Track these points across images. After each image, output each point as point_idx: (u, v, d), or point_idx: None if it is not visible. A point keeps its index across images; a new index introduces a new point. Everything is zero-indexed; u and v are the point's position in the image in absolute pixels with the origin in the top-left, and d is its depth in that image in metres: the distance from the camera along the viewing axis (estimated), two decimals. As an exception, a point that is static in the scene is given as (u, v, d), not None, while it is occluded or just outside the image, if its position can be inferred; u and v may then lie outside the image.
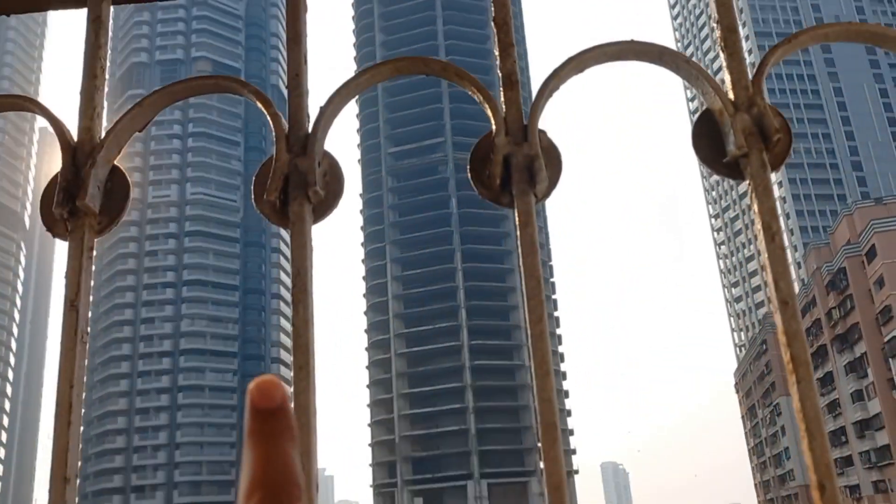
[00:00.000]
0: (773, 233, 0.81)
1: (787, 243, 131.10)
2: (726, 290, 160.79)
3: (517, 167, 0.88)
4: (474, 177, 0.90)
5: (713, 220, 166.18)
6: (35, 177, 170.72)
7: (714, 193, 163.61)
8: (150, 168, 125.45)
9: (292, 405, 0.52)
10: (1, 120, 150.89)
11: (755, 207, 0.84)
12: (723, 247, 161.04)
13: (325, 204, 0.90)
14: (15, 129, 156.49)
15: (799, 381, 0.74)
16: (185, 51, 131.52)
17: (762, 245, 0.81)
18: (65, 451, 0.78)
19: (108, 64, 1.04)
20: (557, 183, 0.90)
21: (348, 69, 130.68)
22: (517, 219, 0.87)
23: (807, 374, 0.75)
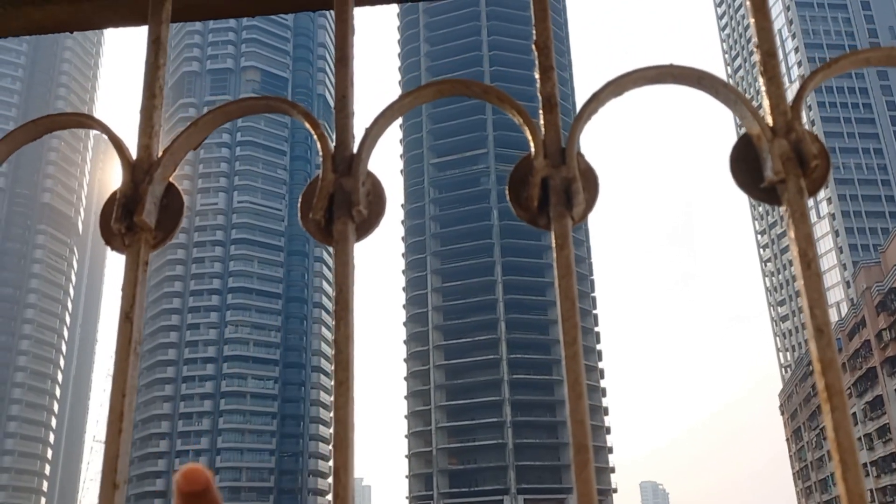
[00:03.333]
0: (810, 259, 0.82)
1: (836, 261, 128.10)
2: (772, 308, 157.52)
3: (555, 190, 0.89)
4: (513, 198, 0.91)
5: (759, 236, 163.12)
6: (89, 183, 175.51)
7: (761, 209, 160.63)
8: (198, 176, 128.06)
9: (215, 489, 0.55)
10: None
11: (791, 234, 0.85)
12: (769, 264, 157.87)
13: (368, 223, 0.93)
14: (71, 136, 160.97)
15: (833, 410, 0.75)
16: (235, 60, 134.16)
17: (798, 271, 0.82)
18: (115, 457, 0.82)
19: (166, 83, 1.07)
20: (594, 205, 0.91)
21: (393, 86, 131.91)
22: (553, 241, 0.88)
23: (841, 402, 0.75)
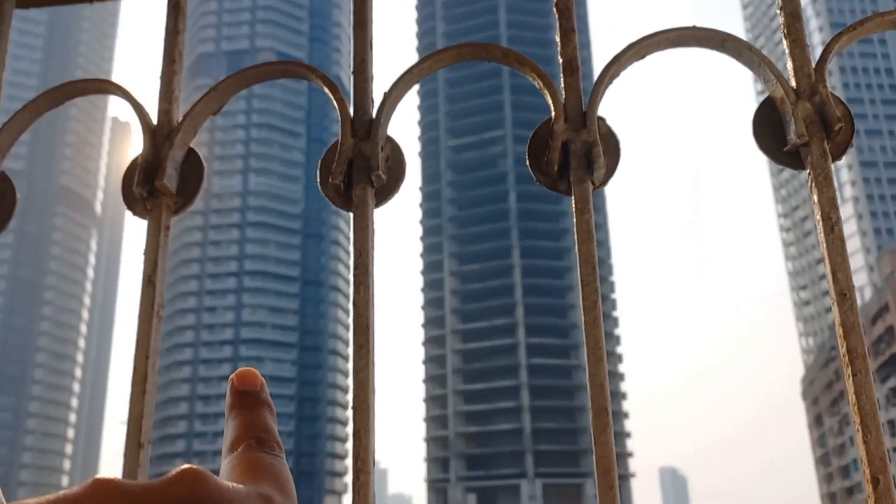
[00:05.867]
0: (833, 223, 0.81)
1: (859, 245, 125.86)
2: (794, 292, 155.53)
3: (575, 154, 0.89)
4: (532, 163, 0.91)
5: (781, 219, 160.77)
6: (107, 164, 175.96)
7: (783, 192, 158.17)
8: (215, 158, 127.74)
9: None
10: (74, 109, 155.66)
11: (815, 197, 0.84)
12: (791, 248, 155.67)
13: (387, 188, 0.92)
14: (88, 118, 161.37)
15: (855, 374, 0.74)
16: (251, 40, 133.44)
17: (821, 236, 0.82)
18: (139, 418, 0.82)
19: (185, 49, 1.08)
20: (615, 170, 0.90)
21: (410, 58, 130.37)
22: (574, 205, 0.88)
23: (863, 366, 0.75)
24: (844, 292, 0.78)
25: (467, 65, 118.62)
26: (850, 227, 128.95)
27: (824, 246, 0.81)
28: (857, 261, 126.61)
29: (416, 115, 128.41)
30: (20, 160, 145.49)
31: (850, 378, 0.74)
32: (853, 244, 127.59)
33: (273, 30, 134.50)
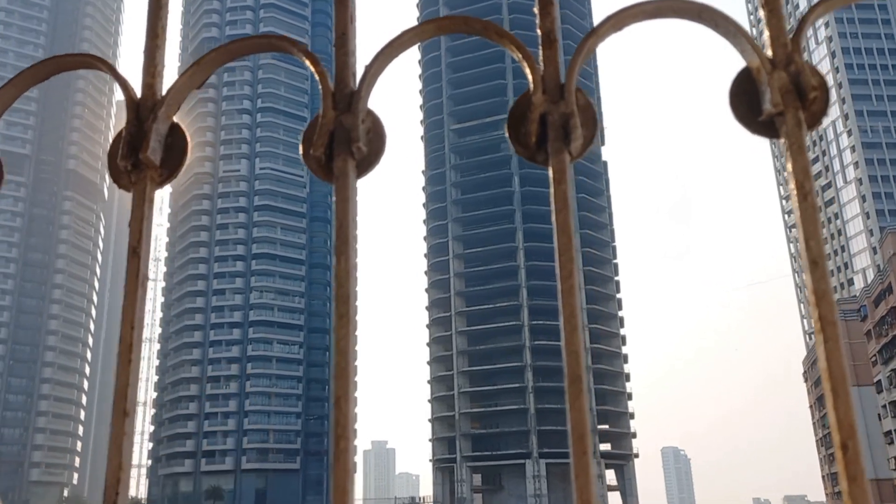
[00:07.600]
0: (806, 192, 0.82)
1: (862, 227, 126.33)
2: (796, 275, 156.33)
3: (553, 125, 0.89)
4: (512, 135, 0.91)
5: (784, 202, 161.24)
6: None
7: (786, 174, 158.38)
8: (220, 143, 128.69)
9: None
10: (80, 94, 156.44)
11: (789, 166, 0.84)
12: (794, 230, 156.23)
13: (368, 160, 0.93)
14: (94, 103, 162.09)
15: (826, 341, 0.75)
16: (254, 26, 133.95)
17: (794, 204, 0.82)
18: (125, 387, 0.83)
19: (168, 24, 1.09)
20: (592, 142, 0.91)
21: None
22: (551, 176, 0.88)
23: (833, 334, 0.75)
24: (816, 260, 0.78)
25: (470, 48, 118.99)
26: (853, 209, 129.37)
27: (798, 214, 0.81)
28: (860, 242, 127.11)
29: (420, 100, 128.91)
30: (28, 145, 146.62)
31: (822, 345, 0.75)
32: (856, 226, 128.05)
33: (276, 15, 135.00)
